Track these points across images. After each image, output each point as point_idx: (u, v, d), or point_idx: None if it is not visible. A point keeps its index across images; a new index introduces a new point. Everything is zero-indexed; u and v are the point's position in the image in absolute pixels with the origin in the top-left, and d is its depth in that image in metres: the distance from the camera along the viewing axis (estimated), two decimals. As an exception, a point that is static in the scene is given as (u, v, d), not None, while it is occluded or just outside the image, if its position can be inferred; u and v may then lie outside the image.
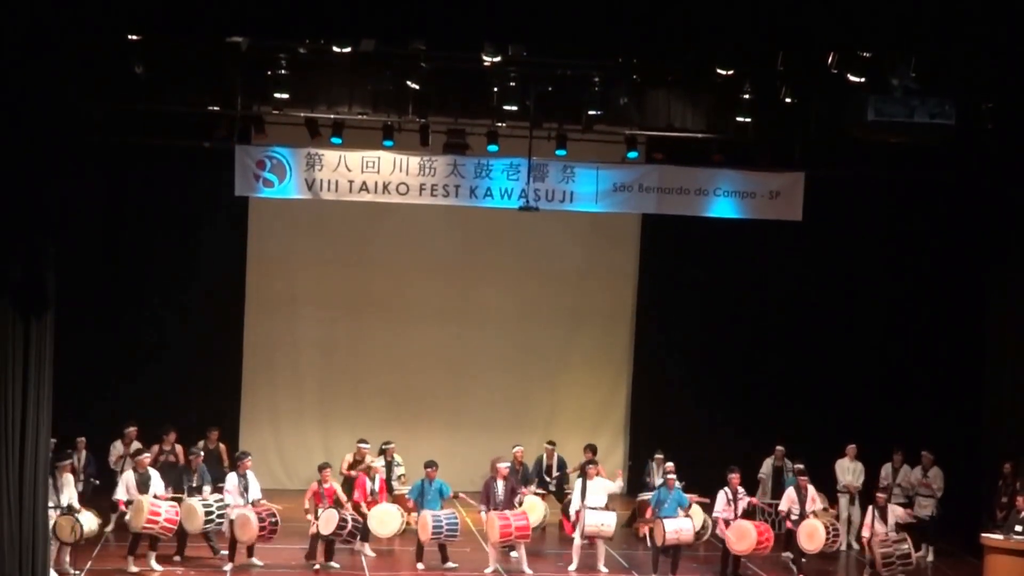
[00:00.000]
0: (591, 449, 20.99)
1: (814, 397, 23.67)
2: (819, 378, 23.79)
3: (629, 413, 25.17)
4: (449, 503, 19.03)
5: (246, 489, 18.38)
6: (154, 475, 18.44)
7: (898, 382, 23.44)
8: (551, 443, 21.93)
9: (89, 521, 17.52)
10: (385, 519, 19.02)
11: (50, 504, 17.14)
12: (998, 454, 20.23)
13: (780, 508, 19.58)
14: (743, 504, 18.83)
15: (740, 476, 18.98)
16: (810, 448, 21.31)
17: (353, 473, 19.59)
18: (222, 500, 18.39)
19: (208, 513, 18.20)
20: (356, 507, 19.14)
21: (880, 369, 23.72)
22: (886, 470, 21.20)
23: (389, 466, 20.63)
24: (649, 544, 18.82)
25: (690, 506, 19.06)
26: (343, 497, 18.73)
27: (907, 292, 23.55)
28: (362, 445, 20.45)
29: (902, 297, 23.63)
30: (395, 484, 20.35)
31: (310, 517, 18.47)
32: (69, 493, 17.73)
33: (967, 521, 20.22)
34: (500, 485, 18.55)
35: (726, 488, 18.81)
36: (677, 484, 18.82)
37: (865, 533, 18.95)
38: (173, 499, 18.30)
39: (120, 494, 18.44)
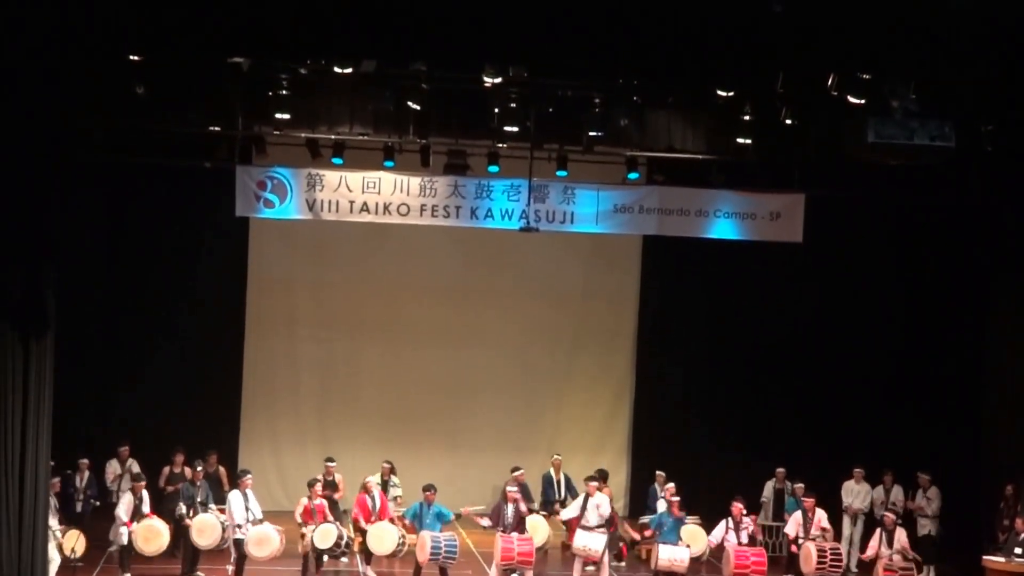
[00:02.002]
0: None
1: (815, 418, 23.64)
2: (820, 399, 23.76)
3: (631, 434, 25.12)
4: (450, 527, 19.00)
5: (247, 508, 18.37)
6: (146, 499, 18.50)
7: (898, 403, 23.41)
8: (558, 455, 21.83)
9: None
10: (382, 536, 18.95)
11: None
12: (999, 475, 20.21)
13: (787, 532, 19.52)
14: (747, 532, 18.74)
15: (744, 505, 18.97)
16: (812, 469, 21.28)
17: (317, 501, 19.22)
18: (224, 520, 18.43)
19: (223, 530, 18.33)
20: (356, 525, 19.11)
21: (880, 390, 23.70)
22: (877, 492, 21.19)
23: (385, 485, 20.57)
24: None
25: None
26: (330, 516, 18.82)
27: (907, 313, 23.56)
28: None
29: (902, 318, 23.65)
30: (391, 505, 20.28)
31: (305, 531, 18.50)
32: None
33: (968, 543, 20.18)
34: (510, 508, 18.53)
35: (728, 518, 18.76)
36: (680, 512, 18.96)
37: (869, 553, 18.90)
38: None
39: (122, 513, 18.46)
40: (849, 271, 23.81)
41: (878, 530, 19.04)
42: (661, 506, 20.20)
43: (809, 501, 19.21)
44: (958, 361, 22.52)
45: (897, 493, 21.18)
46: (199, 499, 18.77)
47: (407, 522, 18.97)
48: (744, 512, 18.90)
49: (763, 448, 22.76)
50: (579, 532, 18.61)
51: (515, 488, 18.87)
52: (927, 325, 23.27)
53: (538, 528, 19.90)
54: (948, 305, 22.80)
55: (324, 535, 18.42)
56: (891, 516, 19.29)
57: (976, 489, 21.17)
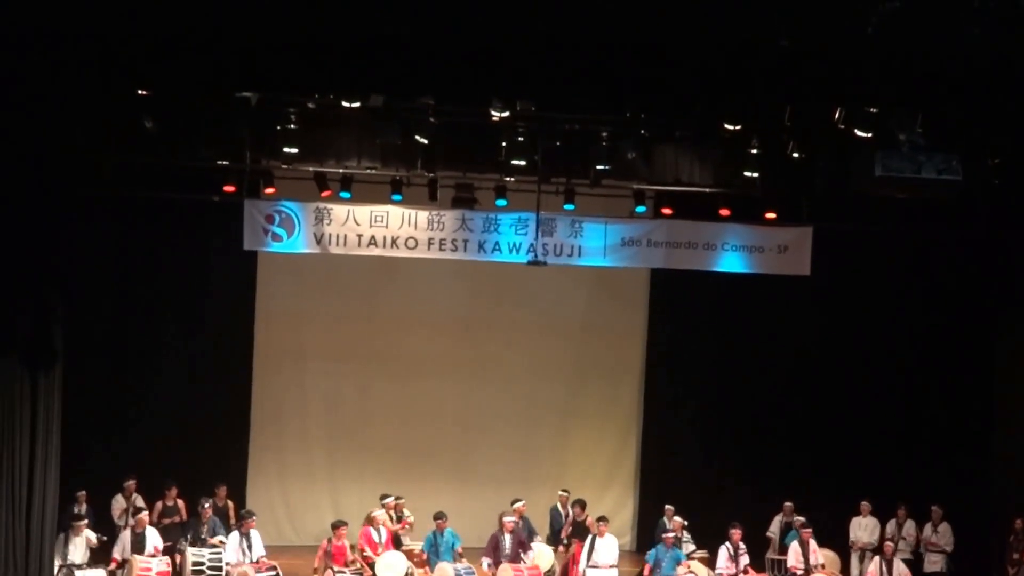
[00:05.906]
0: (580, 504, 20.90)
1: (825, 452, 23.53)
2: (829, 432, 23.65)
3: (639, 468, 25.05)
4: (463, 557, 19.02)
5: (249, 548, 18.27)
6: (151, 533, 18.40)
7: (908, 436, 23.34)
8: (565, 491, 21.82)
9: None
10: (392, 564, 18.87)
11: (58, 561, 17.13)
12: (1008, 509, 20.15)
13: (789, 564, 19.53)
14: (744, 560, 18.88)
15: (742, 532, 19.16)
16: (822, 504, 21.23)
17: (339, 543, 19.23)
18: (218, 554, 18.26)
19: (197, 565, 18.08)
20: (364, 559, 19.08)
21: (890, 423, 23.61)
22: (891, 526, 21.13)
23: (398, 516, 20.53)
24: None
25: (689, 557, 19.11)
26: (350, 555, 18.70)
27: (915, 346, 23.50)
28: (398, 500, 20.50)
29: (910, 351, 23.58)
30: (402, 535, 20.23)
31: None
32: (81, 552, 17.74)
33: (978, 577, 20.14)
34: (507, 539, 18.51)
35: (727, 544, 18.88)
36: (676, 542, 18.91)
37: None
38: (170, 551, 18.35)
39: (116, 552, 18.39)
40: (857, 305, 23.75)
41: (876, 558, 19.21)
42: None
43: (806, 532, 19.27)
44: (966, 394, 22.45)
45: (910, 527, 21.10)
46: (202, 535, 18.68)
47: (421, 553, 18.92)
48: (742, 537, 18.98)
49: (773, 482, 22.66)
50: (600, 572, 18.57)
51: (512, 519, 18.88)
52: (935, 358, 23.22)
53: (543, 555, 19.83)
54: (957, 338, 22.76)
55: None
56: (890, 546, 19.35)
57: (986, 523, 21.07)
